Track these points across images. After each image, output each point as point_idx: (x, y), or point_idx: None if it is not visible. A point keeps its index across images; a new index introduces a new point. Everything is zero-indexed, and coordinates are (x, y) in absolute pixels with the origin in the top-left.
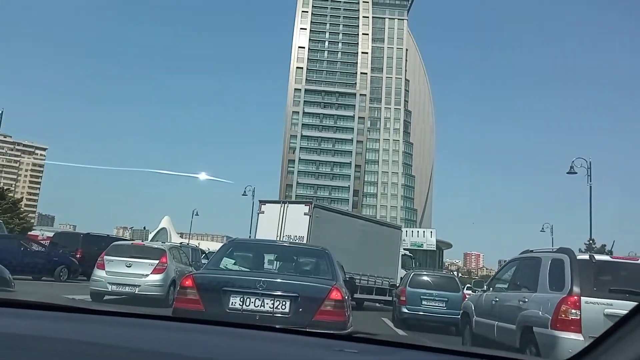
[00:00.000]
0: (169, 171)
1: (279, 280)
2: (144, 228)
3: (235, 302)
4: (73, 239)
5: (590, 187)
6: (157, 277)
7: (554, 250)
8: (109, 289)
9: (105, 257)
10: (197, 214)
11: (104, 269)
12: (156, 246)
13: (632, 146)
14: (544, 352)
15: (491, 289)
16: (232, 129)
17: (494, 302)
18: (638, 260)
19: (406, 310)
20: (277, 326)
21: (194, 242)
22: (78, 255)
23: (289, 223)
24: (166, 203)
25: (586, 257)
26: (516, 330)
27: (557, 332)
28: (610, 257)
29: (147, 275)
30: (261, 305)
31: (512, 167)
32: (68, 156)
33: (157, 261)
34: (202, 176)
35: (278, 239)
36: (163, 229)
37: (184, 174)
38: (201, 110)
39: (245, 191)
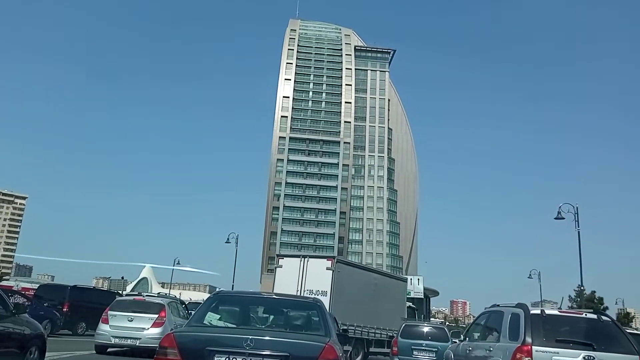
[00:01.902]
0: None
1: (268, 337)
2: (122, 278)
3: None
4: (59, 291)
5: (579, 232)
6: (156, 331)
7: (514, 305)
8: (112, 342)
9: (109, 312)
10: (178, 263)
11: (108, 323)
12: (156, 301)
13: (617, 190)
14: None
15: (467, 338)
16: (216, 178)
17: (468, 351)
18: (582, 314)
19: None
20: None
21: (175, 292)
22: (65, 309)
23: (310, 278)
24: (146, 251)
25: (538, 311)
26: None
27: None
28: (559, 311)
29: (147, 328)
30: None
31: (498, 213)
32: (48, 204)
33: (156, 315)
34: (186, 268)
35: (299, 293)
36: (144, 278)
37: (170, 267)
38: (185, 158)
39: (228, 238)
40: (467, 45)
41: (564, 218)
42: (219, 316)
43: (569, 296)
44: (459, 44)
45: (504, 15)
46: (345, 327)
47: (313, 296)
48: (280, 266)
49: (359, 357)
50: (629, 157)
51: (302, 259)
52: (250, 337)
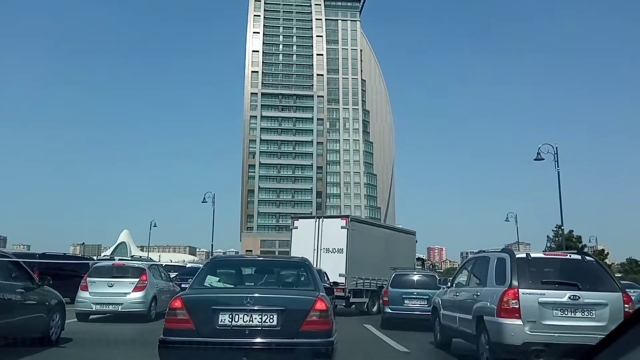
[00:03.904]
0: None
1: (264, 295)
2: (100, 245)
3: (225, 319)
4: (28, 259)
5: (558, 172)
6: (138, 295)
7: (499, 250)
8: (94, 309)
9: (88, 278)
10: (155, 225)
11: (88, 290)
12: (136, 265)
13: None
14: (493, 336)
15: (454, 284)
16: (189, 140)
17: (455, 297)
18: (566, 255)
19: (389, 310)
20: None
21: (154, 255)
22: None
23: (325, 237)
24: (123, 215)
25: (523, 255)
26: (472, 319)
27: (502, 319)
28: (543, 253)
29: (128, 293)
30: (250, 320)
31: (474, 158)
32: (19, 167)
33: (137, 279)
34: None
35: (315, 252)
36: (122, 243)
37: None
38: (155, 122)
39: (204, 198)
40: None
41: (543, 159)
42: (217, 278)
43: (547, 236)
44: None
45: None
46: (360, 281)
47: (324, 250)
48: (296, 227)
49: (375, 307)
50: (605, 96)
51: (317, 219)
52: (249, 295)
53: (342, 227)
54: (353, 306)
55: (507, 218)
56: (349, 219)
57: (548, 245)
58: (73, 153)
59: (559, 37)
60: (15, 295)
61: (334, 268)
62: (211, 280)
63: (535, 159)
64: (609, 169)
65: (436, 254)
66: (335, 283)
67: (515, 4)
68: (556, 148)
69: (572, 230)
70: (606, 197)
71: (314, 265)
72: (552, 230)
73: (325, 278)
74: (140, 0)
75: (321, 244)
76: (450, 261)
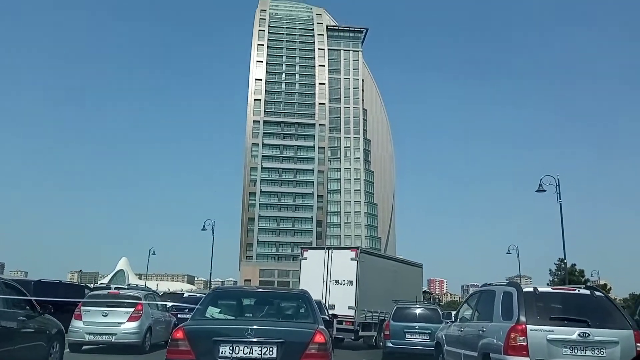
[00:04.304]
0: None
1: (265, 327)
2: (97, 273)
3: (225, 351)
4: (23, 287)
5: (561, 204)
6: (133, 325)
7: (505, 283)
8: (87, 339)
9: (83, 307)
10: (154, 253)
11: (81, 320)
12: (132, 294)
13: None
14: None
15: (458, 319)
16: (191, 166)
17: (460, 332)
18: (574, 290)
19: (390, 345)
20: None
21: (152, 283)
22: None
23: (335, 268)
24: (122, 243)
25: (531, 289)
26: (477, 356)
27: (509, 356)
28: (551, 288)
29: (123, 323)
30: (250, 352)
31: (475, 188)
32: (20, 198)
33: (132, 309)
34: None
35: (324, 284)
36: (120, 270)
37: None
38: (157, 147)
39: (204, 226)
40: (440, 24)
41: (545, 190)
42: (219, 310)
43: (550, 270)
44: (431, 22)
45: None
46: (369, 314)
47: (333, 282)
48: (305, 258)
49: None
50: (606, 129)
51: (327, 250)
52: (250, 327)
53: (351, 259)
54: (361, 340)
55: (508, 250)
56: (359, 251)
57: (551, 279)
58: (72, 179)
59: (561, 64)
60: (16, 323)
61: (343, 300)
62: (212, 311)
63: (537, 191)
64: (612, 202)
65: (437, 286)
66: (334, 315)
67: (516, 32)
68: (558, 180)
69: (575, 264)
70: (608, 230)
71: (323, 297)
72: (555, 264)
73: (326, 310)
74: (144, 27)
75: (330, 276)
76: (450, 294)
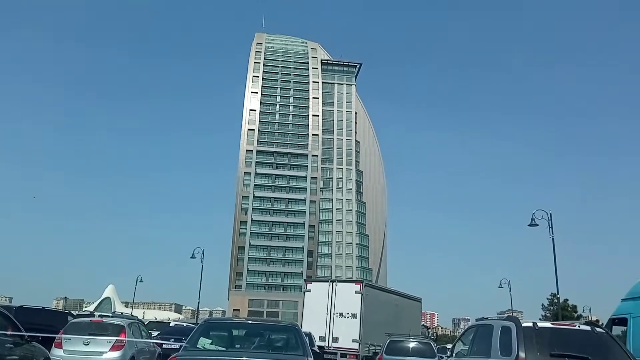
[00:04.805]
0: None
1: (255, 358)
2: (82, 300)
3: None
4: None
5: (553, 239)
6: (115, 354)
7: (504, 318)
8: None
9: (63, 335)
10: (141, 281)
11: (62, 348)
12: (115, 322)
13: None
14: None
15: (454, 354)
16: (181, 194)
17: None
18: (575, 326)
19: None
20: None
21: (139, 312)
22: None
23: (339, 301)
24: (109, 270)
25: (530, 324)
26: None
27: None
28: (551, 323)
29: (105, 352)
30: None
31: (466, 221)
32: (6, 223)
33: (115, 338)
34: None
35: (328, 316)
36: (107, 298)
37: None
38: (147, 175)
39: (194, 253)
40: (433, 59)
41: (537, 225)
42: (210, 340)
43: (542, 305)
44: (424, 57)
45: (468, 26)
46: (372, 347)
47: (337, 315)
48: (309, 290)
49: None
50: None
51: (331, 283)
52: (241, 358)
53: (356, 292)
54: None
55: (500, 284)
56: (363, 284)
57: (543, 314)
58: (58, 205)
59: (552, 98)
60: (4, 350)
61: (347, 333)
62: (204, 342)
63: (529, 225)
64: (602, 237)
65: (428, 319)
66: (321, 347)
67: (509, 66)
68: (550, 214)
69: (567, 299)
70: (598, 265)
71: (327, 329)
72: (547, 299)
73: (313, 341)
74: (141, 53)
75: (334, 308)
76: (442, 327)
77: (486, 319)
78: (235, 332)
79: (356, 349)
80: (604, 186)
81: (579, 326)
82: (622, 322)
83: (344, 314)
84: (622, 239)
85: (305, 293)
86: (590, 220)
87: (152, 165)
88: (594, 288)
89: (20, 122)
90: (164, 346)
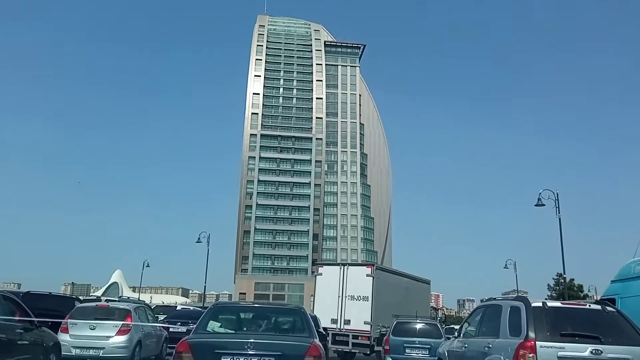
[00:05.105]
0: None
1: (263, 340)
2: (89, 285)
3: None
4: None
5: (560, 219)
6: (121, 339)
7: (513, 298)
8: (73, 353)
9: (69, 320)
10: (148, 266)
11: (68, 333)
12: (121, 306)
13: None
14: None
15: (461, 335)
16: (186, 179)
17: (464, 348)
18: (585, 305)
19: (390, 359)
20: None
21: (146, 296)
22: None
23: (350, 284)
24: (117, 255)
25: (539, 304)
26: None
27: None
28: (561, 303)
29: (111, 336)
30: None
31: (471, 202)
32: (15, 210)
33: (121, 322)
34: None
35: (340, 299)
36: (115, 283)
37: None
38: (153, 164)
39: (199, 238)
40: (438, 42)
41: (544, 205)
42: (219, 324)
43: (548, 285)
44: (428, 37)
45: (474, 8)
46: (384, 329)
47: (349, 298)
48: (320, 274)
49: None
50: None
51: (342, 266)
52: (249, 340)
53: (367, 275)
54: (374, 354)
55: (506, 265)
56: (375, 267)
57: (549, 294)
58: (67, 191)
59: (561, 84)
60: (15, 335)
61: (359, 315)
62: (213, 325)
63: (536, 205)
64: (607, 219)
65: (432, 301)
66: (325, 329)
67: (514, 51)
68: (557, 194)
69: (574, 279)
70: (603, 246)
71: (339, 312)
72: (553, 279)
73: (318, 324)
74: (142, 40)
75: (346, 291)
76: (447, 308)
77: (494, 299)
78: (243, 316)
79: (368, 331)
80: (609, 170)
81: (589, 305)
82: (611, 302)
83: (356, 297)
84: (627, 220)
85: (317, 276)
86: (595, 202)
87: (158, 151)
88: (599, 268)
89: (25, 115)
90: (170, 329)
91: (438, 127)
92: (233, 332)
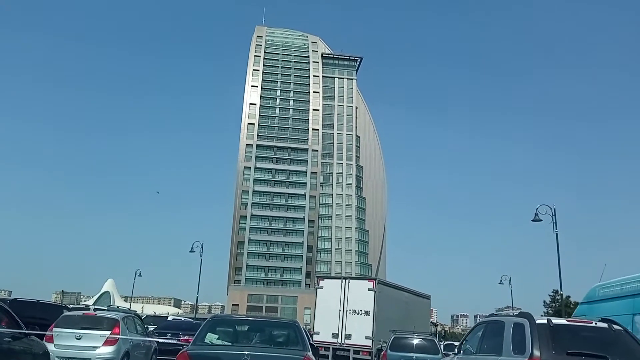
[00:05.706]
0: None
1: (259, 352)
2: (79, 294)
3: None
4: None
5: (557, 234)
6: (108, 350)
7: (516, 314)
8: None
9: (55, 329)
10: (140, 275)
11: (53, 342)
12: (109, 316)
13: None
14: None
15: (462, 351)
16: (181, 188)
17: None
18: (592, 323)
19: None
20: None
21: (138, 306)
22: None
23: (352, 298)
24: (109, 264)
25: (544, 321)
26: None
27: None
28: (566, 320)
29: (98, 347)
30: None
31: (467, 218)
32: (6, 217)
33: (108, 332)
34: None
35: (341, 313)
36: (106, 292)
37: None
38: (147, 172)
39: (192, 247)
40: (435, 55)
41: (541, 220)
42: (217, 336)
43: (544, 301)
44: (425, 50)
45: (469, 21)
46: (384, 344)
47: (350, 312)
48: (321, 287)
49: None
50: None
51: (343, 280)
52: (246, 352)
53: (369, 289)
54: None
55: (501, 281)
56: (376, 282)
57: (545, 310)
58: (59, 200)
59: (555, 97)
60: (3, 344)
61: (360, 330)
62: (211, 337)
63: (532, 220)
64: (603, 235)
65: (433, 317)
66: (316, 342)
67: (511, 65)
68: (554, 209)
69: (570, 296)
70: (599, 264)
71: (340, 326)
72: (549, 295)
73: (309, 337)
74: (140, 49)
75: (347, 305)
76: (441, 324)
77: (496, 315)
78: (239, 328)
79: (369, 346)
80: (605, 185)
81: (595, 323)
82: None
83: (357, 311)
84: (623, 236)
85: (318, 290)
86: (591, 219)
87: (152, 159)
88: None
89: (19, 121)
90: (160, 341)
91: (434, 140)
92: (230, 344)
